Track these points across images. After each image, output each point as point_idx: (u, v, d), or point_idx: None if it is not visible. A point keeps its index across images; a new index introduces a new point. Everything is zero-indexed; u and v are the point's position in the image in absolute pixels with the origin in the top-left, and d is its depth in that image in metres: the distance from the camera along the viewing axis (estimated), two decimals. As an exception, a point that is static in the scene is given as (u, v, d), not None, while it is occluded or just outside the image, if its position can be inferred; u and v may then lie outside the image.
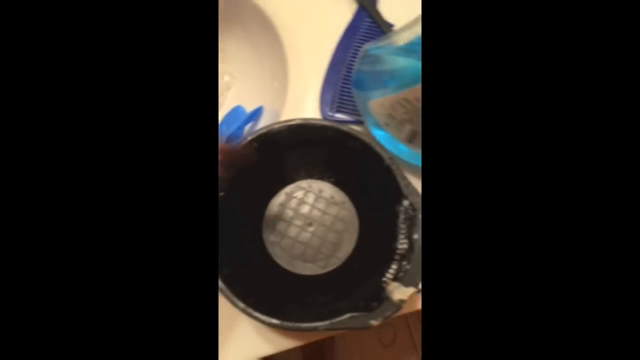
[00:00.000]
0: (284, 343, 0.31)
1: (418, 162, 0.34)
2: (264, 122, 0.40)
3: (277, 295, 0.29)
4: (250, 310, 0.26)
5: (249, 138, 0.29)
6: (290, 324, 0.26)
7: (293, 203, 0.34)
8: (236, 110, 0.46)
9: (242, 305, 0.26)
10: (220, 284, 0.26)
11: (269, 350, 0.31)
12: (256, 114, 0.41)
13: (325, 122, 0.30)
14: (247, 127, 0.40)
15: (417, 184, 0.35)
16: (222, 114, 0.48)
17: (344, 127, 0.30)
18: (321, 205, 0.34)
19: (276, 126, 0.30)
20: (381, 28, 0.39)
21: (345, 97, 0.37)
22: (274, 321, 0.26)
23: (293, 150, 0.33)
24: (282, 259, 0.33)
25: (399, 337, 0.75)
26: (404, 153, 0.34)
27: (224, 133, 0.39)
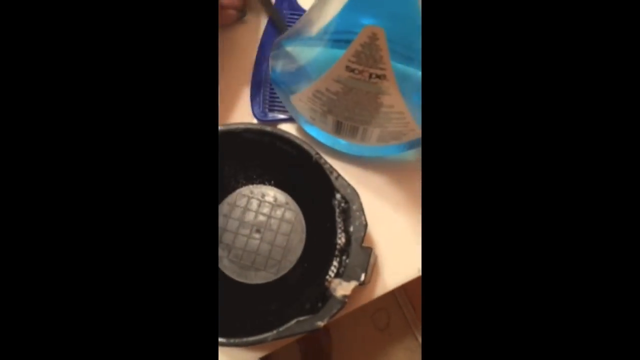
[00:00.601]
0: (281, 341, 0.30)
1: (355, 152, 0.33)
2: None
3: (226, 311, 0.29)
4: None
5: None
6: (237, 340, 0.25)
7: (237, 212, 0.33)
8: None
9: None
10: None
11: (268, 349, 0.30)
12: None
13: (248, 126, 0.30)
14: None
15: (354, 173, 0.34)
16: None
17: (268, 128, 0.29)
18: (265, 209, 0.33)
19: (196, 139, 0.29)
20: (279, 27, 0.38)
21: (275, 95, 0.36)
22: (221, 340, 0.25)
23: (227, 158, 0.32)
24: (232, 272, 0.32)
25: (392, 320, 0.76)
26: (342, 145, 0.33)
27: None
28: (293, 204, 0.33)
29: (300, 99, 0.29)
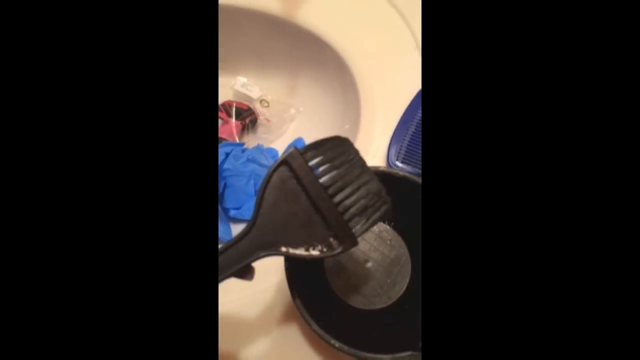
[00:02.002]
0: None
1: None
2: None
3: (335, 322, 0.32)
4: (322, 333, 0.28)
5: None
6: (354, 351, 0.28)
7: (354, 239, 0.37)
8: (298, 142, 0.49)
9: (315, 326, 0.28)
10: (299, 303, 0.29)
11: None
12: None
13: (405, 175, 0.34)
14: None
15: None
16: (284, 142, 0.52)
17: (420, 182, 0.34)
18: (379, 244, 0.37)
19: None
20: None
21: (410, 151, 0.41)
22: (346, 348, 0.28)
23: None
24: (338, 288, 0.35)
25: None
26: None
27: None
28: (405, 249, 0.37)
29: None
